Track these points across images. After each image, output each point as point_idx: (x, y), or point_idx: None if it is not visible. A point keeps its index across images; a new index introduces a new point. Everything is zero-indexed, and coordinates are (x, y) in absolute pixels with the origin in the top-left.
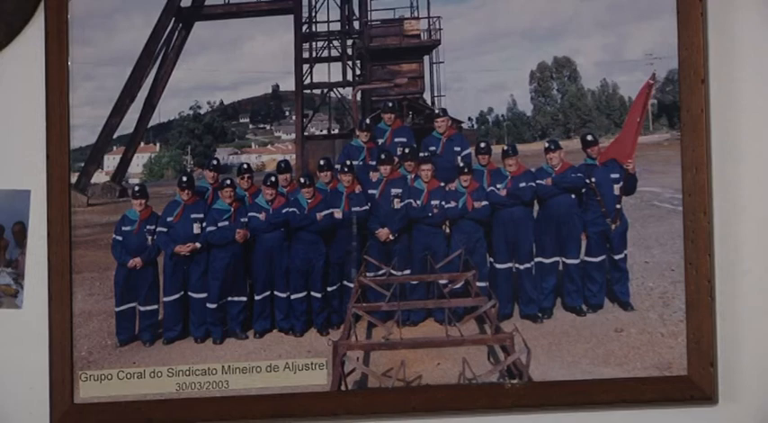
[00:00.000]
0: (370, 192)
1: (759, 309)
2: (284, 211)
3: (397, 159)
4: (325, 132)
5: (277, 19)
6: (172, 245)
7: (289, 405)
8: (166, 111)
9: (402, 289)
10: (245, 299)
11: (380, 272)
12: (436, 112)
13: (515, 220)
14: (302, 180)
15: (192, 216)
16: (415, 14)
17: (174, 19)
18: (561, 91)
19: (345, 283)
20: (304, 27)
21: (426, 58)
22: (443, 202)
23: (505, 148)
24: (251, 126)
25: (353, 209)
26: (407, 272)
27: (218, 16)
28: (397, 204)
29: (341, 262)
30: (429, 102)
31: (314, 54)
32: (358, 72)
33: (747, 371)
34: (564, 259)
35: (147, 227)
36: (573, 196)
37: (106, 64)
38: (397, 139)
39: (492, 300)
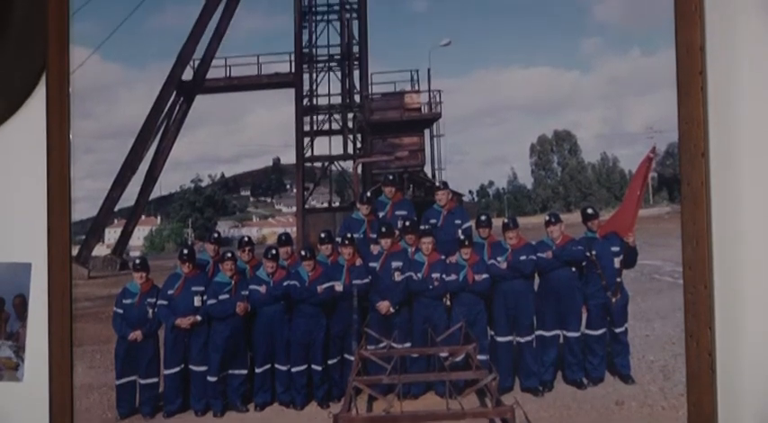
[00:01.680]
0: (370, 264)
1: (760, 381)
2: (285, 283)
3: (397, 232)
4: (325, 205)
5: (278, 92)
6: (172, 317)
7: None
8: (167, 184)
9: (402, 361)
10: (245, 371)
11: (381, 344)
12: (437, 184)
13: (516, 292)
14: (303, 253)
15: (193, 289)
16: (416, 88)
17: (175, 92)
18: (562, 164)
19: (346, 355)
20: (305, 100)
21: (427, 131)
22: (444, 275)
23: (506, 220)
24: (252, 199)
25: (354, 282)
26: (408, 344)
27: (219, 89)
28: (397, 277)
29: (341, 335)
30: (430, 175)
31: (315, 127)
32: (359, 145)
33: None
34: (564, 332)
35: (148, 300)
36: (573, 269)
37: (108, 137)
38: (397, 212)
39: (492, 373)
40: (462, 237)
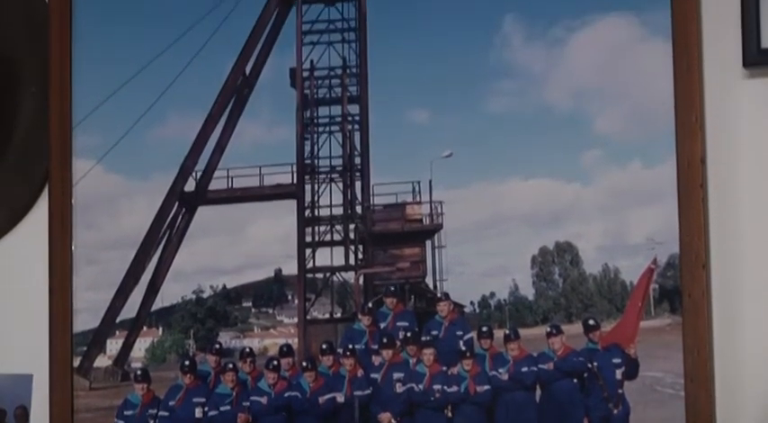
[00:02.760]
0: (372, 376)
1: None
2: (286, 394)
3: (399, 343)
4: (327, 316)
5: (280, 203)
6: None
7: None
8: (169, 295)
9: None
10: None
11: None
12: (438, 296)
13: (517, 404)
14: (304, 364)
15: (194, 400)
16: (418, 199)
17: (177, 203)
18: (563, 275)
19: None
20: (307, 211)
21: (428, 242)
22: (445, 387)
23: (507, 332)
24: (253, 310)
25: (356, 393)
26: None
27: (221, 201)
28: (399, 388)
29: None
30: (431, 286)
31: (316, 238)
32: (360, 256)
33: None
34: None
35: (149, 411)
36: (575, 380)
37: (110, 248)
38: (399, 323)
39: None
40: (464, 348)
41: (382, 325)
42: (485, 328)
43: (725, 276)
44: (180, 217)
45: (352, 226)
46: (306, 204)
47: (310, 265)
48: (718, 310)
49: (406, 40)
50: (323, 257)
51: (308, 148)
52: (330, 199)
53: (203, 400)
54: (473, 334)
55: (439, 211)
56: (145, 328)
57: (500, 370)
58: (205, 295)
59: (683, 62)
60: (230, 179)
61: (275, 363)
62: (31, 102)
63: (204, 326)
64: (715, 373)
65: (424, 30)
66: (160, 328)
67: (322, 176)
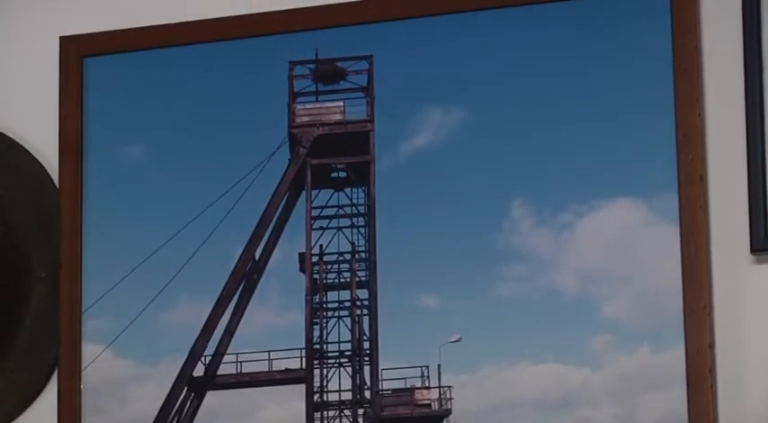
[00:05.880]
0: None
1: None
2: None
3: None
4: None
5: (289, 388)
6: None
7: None
8: None
9: None
10: None
11: None
12: None
13: None
14: None
15: None
16: (426, 384)
17: (186, 388)
18: None
19: None
20: (315, 396)
21: None
22: None
23: None
24: None
25: None
26: None
27: (230, 386)
28: None
29: None
30: None
31: None
32: None
33: None
34: None
35: None
36: None
37: None
38: None
39: None
40: None
41: None
42: None
43: None
44: (188, 402)
45: (360, 411)
46: (314, 389)
47: None
48: None
49: (415, 226)
50: None
51: (316, 333)
52: (339, 384)
53: None
54: None
55: (448, 395)
56: None
57: None
58: None
59: (691, 248)
60: (239, 364)
61: None
62: (40, 287)
63: None
64: None
65: (432, 215)
66: None
67: (331, 361)
